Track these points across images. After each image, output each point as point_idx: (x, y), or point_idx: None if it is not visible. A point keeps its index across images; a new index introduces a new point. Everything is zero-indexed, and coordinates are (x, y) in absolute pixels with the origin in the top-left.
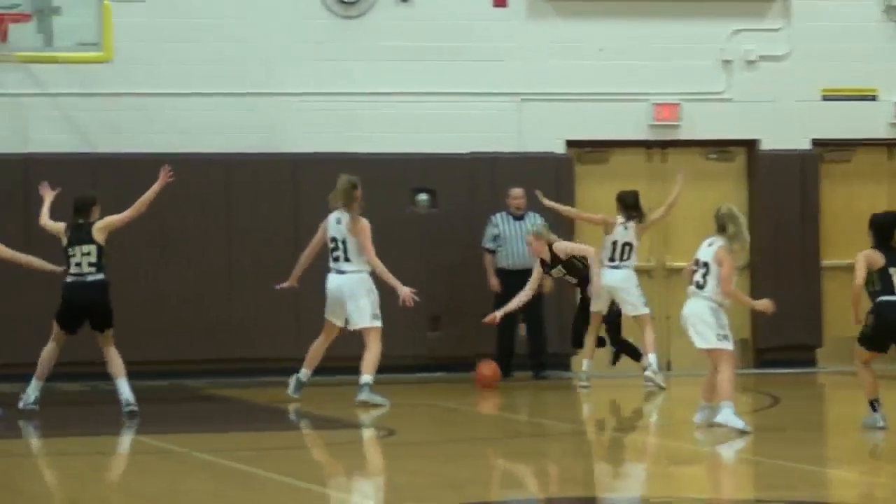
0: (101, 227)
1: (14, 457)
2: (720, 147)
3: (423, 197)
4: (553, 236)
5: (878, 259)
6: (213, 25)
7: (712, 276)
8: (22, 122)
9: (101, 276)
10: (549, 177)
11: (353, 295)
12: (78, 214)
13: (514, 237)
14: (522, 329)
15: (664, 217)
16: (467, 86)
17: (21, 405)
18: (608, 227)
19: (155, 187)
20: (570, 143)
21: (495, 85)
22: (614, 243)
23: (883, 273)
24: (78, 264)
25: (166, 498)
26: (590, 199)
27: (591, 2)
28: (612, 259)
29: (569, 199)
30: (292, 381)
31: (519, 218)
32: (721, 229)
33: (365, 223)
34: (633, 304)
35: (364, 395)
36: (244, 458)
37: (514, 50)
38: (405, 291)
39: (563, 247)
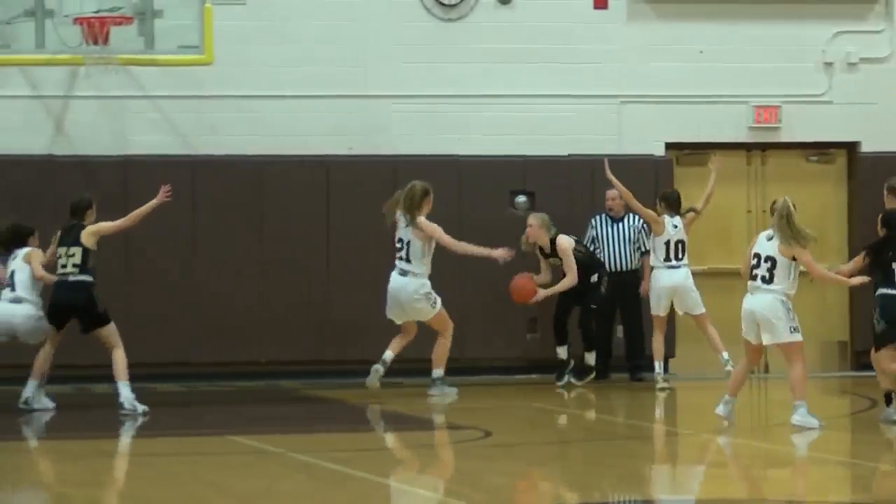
0: (92, 231)
1: (110, 456)
2: (820, 149)
3: (521, 199)
4: (554, 231)
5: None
6: (313, 28)
7: (780, 269)
8: (122, 124)
9: (83, 277)
10: (648, 179)
11: (410, 300)
12: (72, 216)
13: (611, 239)
14: (619, 331)
15: (703, 208)
16: (567, 88)
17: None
18: (657, 228)
19: (152, 203)
20: (670, 146)
21: (595, 87)
22: (667, 243)
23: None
24: (63, 265)
25: (264, 498)
26: (689, 202)
27: (691, 3)
28: (667, 259)
29: None
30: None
31: (618, 220)
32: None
33: (430, 224)
34: (693, 303)
35: (434, 390)
36: (340, 459)
37: (613, 52)
38: (498, 252)
39: (563, 247)
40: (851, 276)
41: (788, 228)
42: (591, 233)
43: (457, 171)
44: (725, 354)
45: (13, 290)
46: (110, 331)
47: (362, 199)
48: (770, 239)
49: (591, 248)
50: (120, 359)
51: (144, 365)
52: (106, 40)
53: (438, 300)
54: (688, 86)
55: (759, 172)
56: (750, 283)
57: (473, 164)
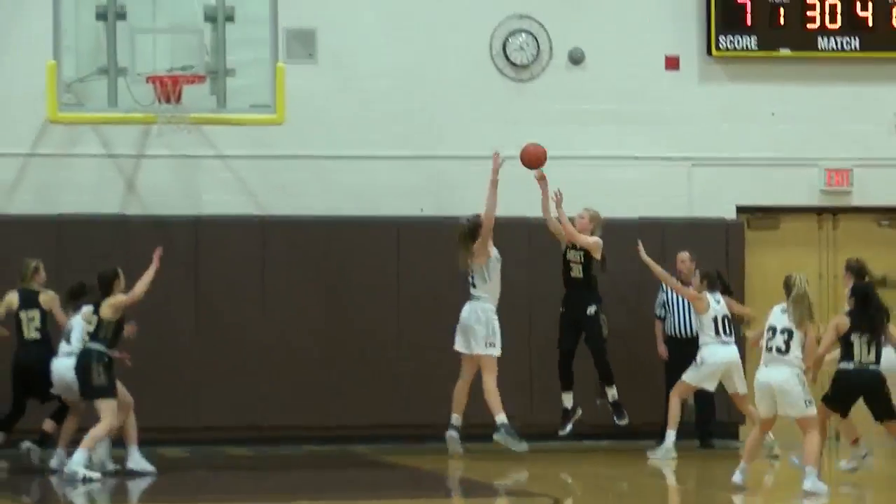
0: (110, 304)
1: None
2: (892, 214)
3: None
4: (599, 232)
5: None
6: (384, 88)
7: (796, 341)
8: (194, 183)
9: (90, 345)
10: (719, 243)
11: (472, 321)
12: (99, 290)
13: (679, 305)
14: (691, 397)
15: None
16: (638, 149)
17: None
18: (699, 305)
19: (151, 270)
20: (741, 209)
21: (665, 149)
22: (715, 319)
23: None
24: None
25: None
26: (760, 266)
27: (762, 65)
28: (717, 333)
29: (738, 266)
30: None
31: (687, 284)
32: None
33: (481, 239)
34: (741, 382)
35: (498, 436)
36: None
37: (684, 113)
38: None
39: (595, 239)
40: None
41: (806, 308)
42: (661, 297)
43: (527, 232)
44: (770, 435)
45: (69, 343)
46: (103, 405)
47: (433, 260)
48: (785, 312)
49: (662, 314)
50: (101, 429)
51: (213, 429)
52: (178, 99)
53: (498, 346)
54: (759, 148)
55: (830, 237)
56: (765, 354)
57: (544, 226)
